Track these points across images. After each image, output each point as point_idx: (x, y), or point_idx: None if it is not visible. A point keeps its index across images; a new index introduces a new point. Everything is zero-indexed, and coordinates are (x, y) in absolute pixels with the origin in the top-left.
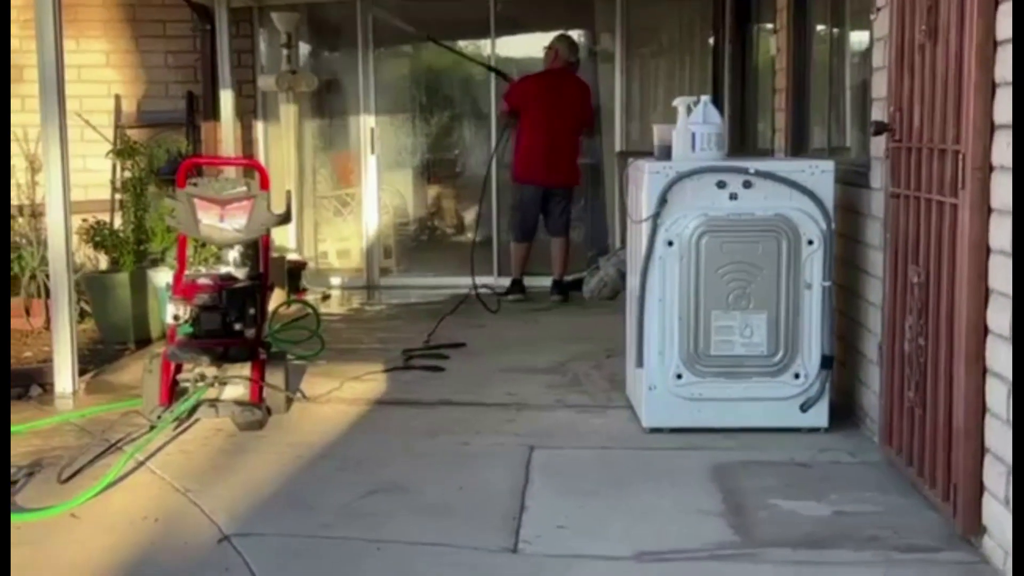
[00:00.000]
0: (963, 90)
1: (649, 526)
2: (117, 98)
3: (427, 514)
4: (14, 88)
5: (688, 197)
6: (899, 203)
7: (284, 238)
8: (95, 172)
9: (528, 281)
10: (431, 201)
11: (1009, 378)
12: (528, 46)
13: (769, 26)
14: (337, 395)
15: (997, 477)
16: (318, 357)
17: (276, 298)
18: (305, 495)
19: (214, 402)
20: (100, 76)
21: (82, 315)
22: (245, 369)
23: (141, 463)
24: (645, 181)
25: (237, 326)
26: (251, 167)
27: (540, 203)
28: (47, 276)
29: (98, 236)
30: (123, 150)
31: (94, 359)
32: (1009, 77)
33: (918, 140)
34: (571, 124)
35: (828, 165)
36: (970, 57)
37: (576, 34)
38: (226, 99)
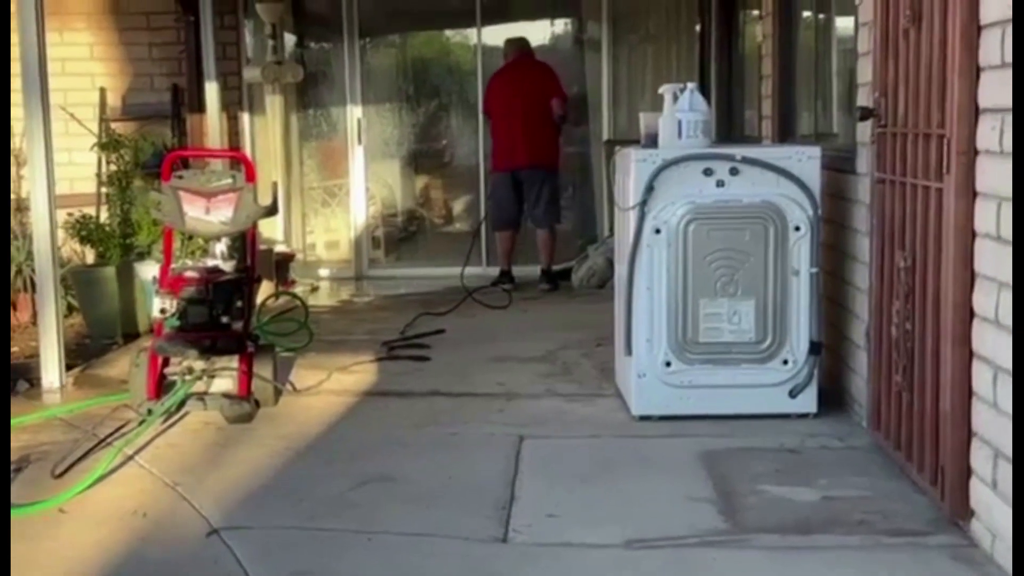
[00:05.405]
0: (947, 74)
1: (639, 514)
2: (102, 91)
3: (417, 504)
4: None
5: (675, 185)
6: (885, 188)
7: (272, 230)
8: (80, 166)
9: (517, 270)
10: (419, 191)
11: (995, 361)
12: (514, 35)
13: (755, 12)
14: (326, 387)
15: (984, 460)
16: (306, 349)
17: (264, 290)
18: (294, 487)
19: (202, 395)
20: (84, 69)
21: (69, 309)
22: (233, 362)
23: (130, 457)
24: (632, 169)
25: (224, 319)
26: (237, 159)
27: (511, 189)
28: (33, 271)
29: (84, 230)
30: (108, 143)
31: (81, 353)
32: (994, 61)
33: (903, 125)
34: (532, 106)
35: (814, 151)
36: (954, 41)
37: (562, 22)
38: (211, 91)
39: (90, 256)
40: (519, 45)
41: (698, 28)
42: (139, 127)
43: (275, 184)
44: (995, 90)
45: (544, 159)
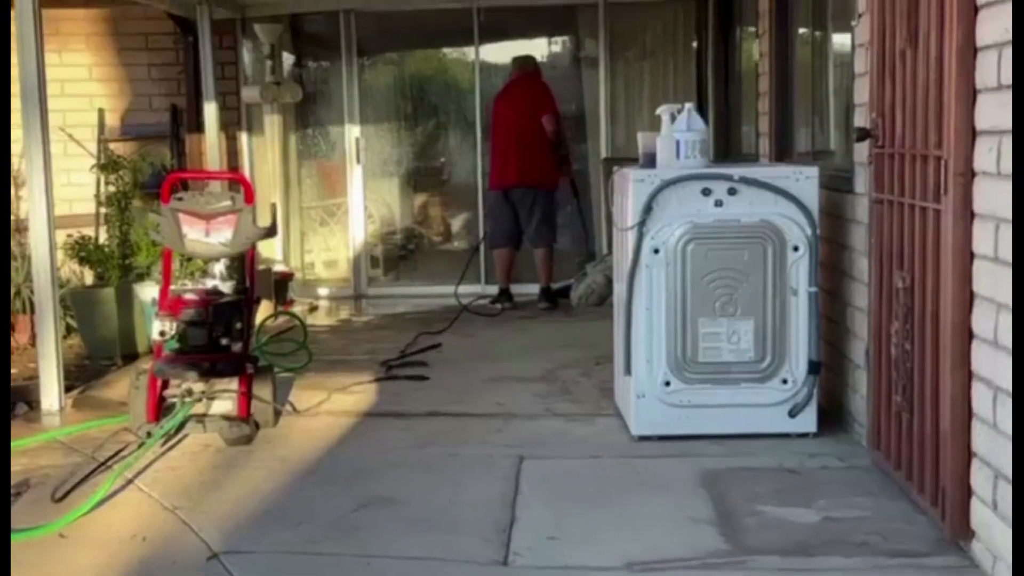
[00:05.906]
0: (944, 96)
1: (640, 535)
2: (100, 112)
3: (417, 527)
4: None
5: (673, 205)
6: (883, 208)
7: (271, 250)
8: (79, 186)
9: (516, 289)
10: (417, 210)
11: (994, 382)
12: (512, 54)
13: (752, 30)
14: (325, 407)
15: (984, 481)
16: (306, 369)
17: (263, 310)
18: (294, 510)
19: (202, 418)
20: (83, 90)
21: (68, 331)
22: (232, 384)
23: (129, 481)
24: (630, 189)
25: (224, 340)
26: (236, 181)
27: (506, 207)
28: (32, 292)
29: (83, 251)
30: (107, 164)
31: (81, 375)
32: (990, 83)
33: (901, 146)
34: (524, 124)
35: (812, 171)
36: (950, 63)
37: (560, 41)
38: (210, 111)
39: (89, 277)
40: (520, 63)
41: (695, 46)
42: (138, 148)
43: (274, 206)
44: (992, 112)
45: (535, 178)
